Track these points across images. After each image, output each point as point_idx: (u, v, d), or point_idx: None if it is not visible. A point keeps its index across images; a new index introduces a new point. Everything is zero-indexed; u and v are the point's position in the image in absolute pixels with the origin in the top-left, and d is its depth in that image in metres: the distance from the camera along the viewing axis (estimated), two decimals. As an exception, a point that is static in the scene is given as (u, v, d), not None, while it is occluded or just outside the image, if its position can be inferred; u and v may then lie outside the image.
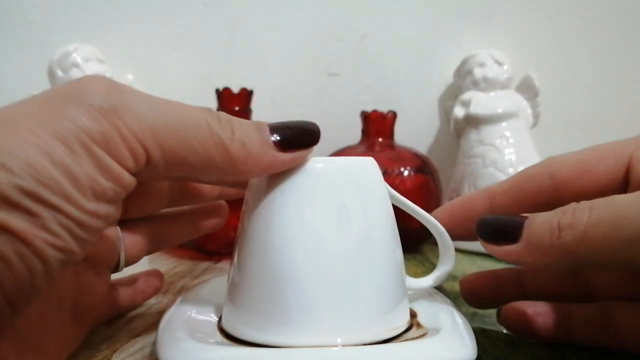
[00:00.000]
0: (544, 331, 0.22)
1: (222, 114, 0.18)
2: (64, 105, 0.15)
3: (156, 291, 0.27)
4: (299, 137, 0.18)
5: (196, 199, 0.25)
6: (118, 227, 0.23)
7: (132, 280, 0.26)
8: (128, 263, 0.24)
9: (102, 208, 0.15)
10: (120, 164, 0.15)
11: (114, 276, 0.24)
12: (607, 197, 0.16)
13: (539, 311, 0.22)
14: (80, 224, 0.15)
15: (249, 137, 0.17)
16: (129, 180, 0.16)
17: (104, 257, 0.22)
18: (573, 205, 0.17)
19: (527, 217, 0.18)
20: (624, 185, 0.19)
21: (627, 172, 0.19)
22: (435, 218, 0.22)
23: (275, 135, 0.18)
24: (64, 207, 0.14)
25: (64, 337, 0.19)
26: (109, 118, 0.15)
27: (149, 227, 0.24)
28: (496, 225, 0.19)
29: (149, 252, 0.25)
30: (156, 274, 0.27)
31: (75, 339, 0.20)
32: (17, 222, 0.13)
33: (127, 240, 0.23)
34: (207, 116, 0.17)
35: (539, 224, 0.17)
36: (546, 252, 0.17)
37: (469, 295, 0.24)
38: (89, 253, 0.20)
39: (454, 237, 0.22)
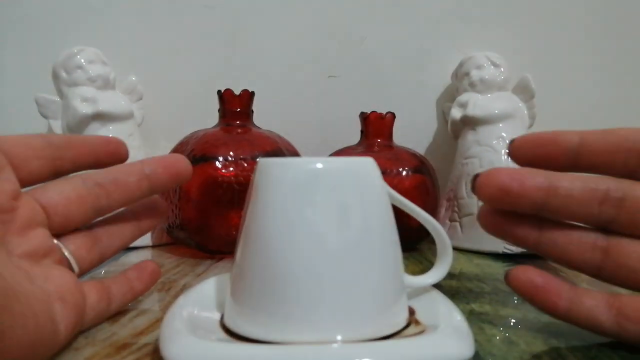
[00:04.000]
0: (550, 303, 0.22)
1: None
2: None
3: (154, 275, 0.27)
4: None
5: (125, 197, 0.26)
6: (55, 240, 0.23)
7: (123, 274, 0.26)
8: (86, 267, 0.24)
9: None
10: None
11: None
12: None
13: (548, 282, 0.22)
14: None
15: None
16: None
17: (40, 252, 0.22)
18: None
19: None
20: None
21: None
22: (520, 141, 0.23)
23: None
24: None
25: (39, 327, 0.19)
26: None
27: (89, 232, 0.25)
28: None
29: (100, 257, 0.25)
30: (147, 262, 0.28)
31: (58, 331, 0.20)
32: None
33: (71, 246, 0.24)
34: None
35: None
36: None
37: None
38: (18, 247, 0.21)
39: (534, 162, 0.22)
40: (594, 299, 0.21)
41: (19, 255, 0.21)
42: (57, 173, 0.24)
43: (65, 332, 0.20)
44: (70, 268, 0.24)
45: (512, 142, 0.23)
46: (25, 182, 0.23)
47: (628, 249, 0.22)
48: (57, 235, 0.24)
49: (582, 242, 0.22)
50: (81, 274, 0.24)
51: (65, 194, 0.24)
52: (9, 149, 0.22)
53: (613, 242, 0.22)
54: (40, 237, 0.22)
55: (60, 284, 0.21)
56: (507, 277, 0.22)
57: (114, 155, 0.26)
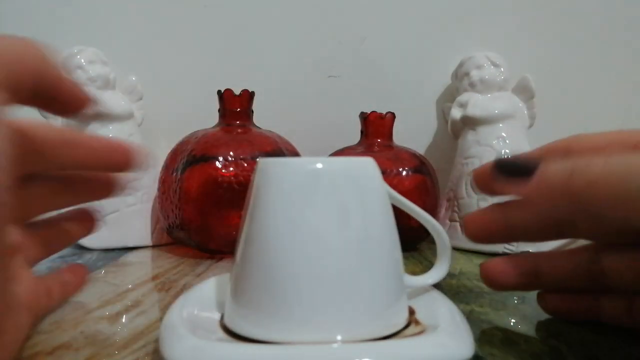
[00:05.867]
0: (579, 314, 0.24)
1: None
2: None
3: (84, 280, 0.28)
4: None
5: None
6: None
7: (58, 275, 0.27)
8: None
9: None
10: None
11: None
12: (621, 154, 0.17)
13: (575, 306, 0.24)
14: None
15: None
16: None
17: (16, 248, 0.22)
18: (589, 157, 0.18)
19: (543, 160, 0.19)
20: None
21: None
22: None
23: None
24: None
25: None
26: None
27: (38, 230, 0.25)
28: (513, 163, 0.20)
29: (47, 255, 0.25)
30: (79, 266, 0.28)
31: (16, 330, 0.20)
32: None
33: (29, 242, 0.23)
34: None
35: (554, 165, 0.18)
36: (555, 190, 0.18)
37: (488, 281, 0.25)
38: (15, 244, 0.21)
39: None
40: (614, 306, 0.23)
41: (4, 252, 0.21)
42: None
43: (24, 339, 0.20)
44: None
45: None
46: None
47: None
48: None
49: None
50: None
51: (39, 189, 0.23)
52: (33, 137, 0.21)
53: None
54: (16, 231, 0.22)
55: (28, 291, 0.21)
56: (540, 302, 0.25)
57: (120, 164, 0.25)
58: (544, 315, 0.25)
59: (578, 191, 0.17)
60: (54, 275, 0.26)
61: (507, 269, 0.24)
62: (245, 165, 0.41)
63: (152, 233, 0.48)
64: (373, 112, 0.48)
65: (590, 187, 0.17)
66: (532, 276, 0.24)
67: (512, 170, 0.20)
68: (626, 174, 0.16)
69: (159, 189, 0.44)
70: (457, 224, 0.48)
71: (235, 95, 0.45)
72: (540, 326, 0.24)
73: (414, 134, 0.56)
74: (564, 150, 0.22)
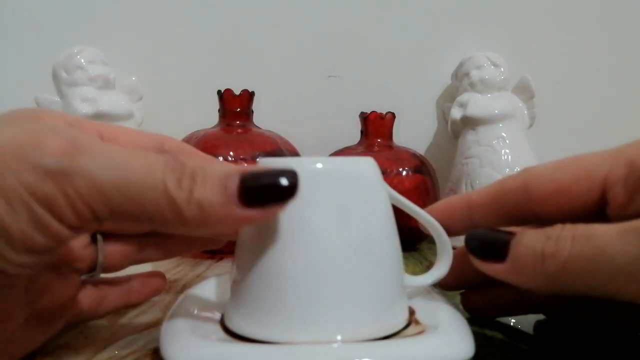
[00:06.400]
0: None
1: (190, 168, 0.17)
2: (14, 160, 0.15)
3: (156, 292, 0.26)
4: (269, 192, 0.17)
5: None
6: (99, 235, 0.22)
7: (126, 280, 0.25)
8: (108, 270, 0.23)
9: (31, 259, 0.16)
10: (62, 222, 0.16)
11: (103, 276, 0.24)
12: (588, 228, 0.16)
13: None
14: (3, 272, 0.16)
15: (209, 198, 0.16)
16: (67, 234, 0.16)
17: (66, 260, 0.21)
18: (557, 230, 0.17)
19: (514, 235, 0.18)
20: (600, 204, 0.19)
21: (603, 193, 0.19)
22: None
23: (242, 187, 0.17)
24: None
25: (15, 336, 0.19)
26: (56, 180, 0.15)
27: (139, 239, 0.23)
28: (484, 242, 0.19)
29: (136, 262, 0.24)
30: (157, 274, 0.26)
31: (35, 338, 0.20)
32: None
33: (109, 248, 0.22)
34: (167, 176, 0.16)
35: (524, 247, 0.17)
36: (530, 277, 0.17)
37: (470, 310, 0.25)
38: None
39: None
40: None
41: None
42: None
43: (40, 344, 0.20)
44: (92, 269, 0.22)
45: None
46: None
47: None
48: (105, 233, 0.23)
49: None
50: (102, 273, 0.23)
51: None
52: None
53: None
54: (74, 246, 0.21)
55: (50, 305, 0.20)
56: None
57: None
58: (544, 315, 0.25)
59: (553, 277, 0.17)
60: (118, 284, 0.25)
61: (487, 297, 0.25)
62: (245, 165, 0.41)
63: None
64: (373, 112, 0.48)
65: (563, 272, 0.16)
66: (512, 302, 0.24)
67: (483, 251, 0.19)
68: (596, 256, 0.15)
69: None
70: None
71: (235, 95, 0.45)
72: (541, 327, 0.24)
73: (414, 134, 0.56)
74: (521, 191, 0.20)
